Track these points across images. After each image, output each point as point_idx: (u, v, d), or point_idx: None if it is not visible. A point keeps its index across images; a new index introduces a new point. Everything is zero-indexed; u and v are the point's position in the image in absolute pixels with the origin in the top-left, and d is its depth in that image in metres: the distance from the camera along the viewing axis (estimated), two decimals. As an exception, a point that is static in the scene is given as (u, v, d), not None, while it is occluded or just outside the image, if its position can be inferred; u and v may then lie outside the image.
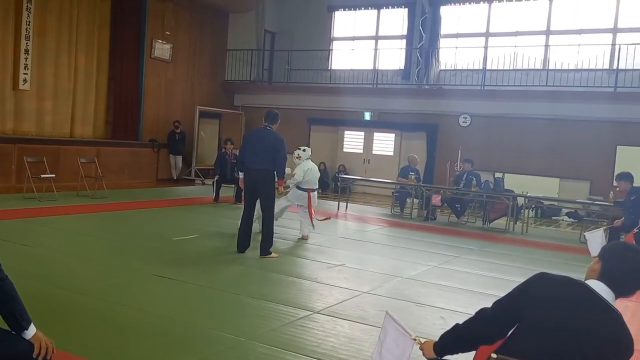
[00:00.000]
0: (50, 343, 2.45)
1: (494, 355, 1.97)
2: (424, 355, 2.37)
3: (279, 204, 8.06)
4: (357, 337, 4.24)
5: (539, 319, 2.04)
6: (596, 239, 8.49)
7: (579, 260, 8.16)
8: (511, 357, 2.01)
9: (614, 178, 8.85)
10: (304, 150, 8.37)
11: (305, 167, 8.20)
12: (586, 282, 2.17)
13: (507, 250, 8.67)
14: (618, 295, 2.14)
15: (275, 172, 6.88)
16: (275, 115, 7.13)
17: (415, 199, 11.85)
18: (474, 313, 2.31)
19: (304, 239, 8.21)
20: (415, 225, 10.64)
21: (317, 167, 8.52)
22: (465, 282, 6.16)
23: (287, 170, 7.50)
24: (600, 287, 2.11)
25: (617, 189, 9.02)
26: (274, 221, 7.25)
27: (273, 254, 6.88)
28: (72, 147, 12.82)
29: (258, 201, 6.99)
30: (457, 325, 2.32)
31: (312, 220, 8.23)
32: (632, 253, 2.17)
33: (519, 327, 2.07)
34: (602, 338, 2.02)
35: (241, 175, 7.06)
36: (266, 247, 6.86)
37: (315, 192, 8.39)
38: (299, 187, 8.23)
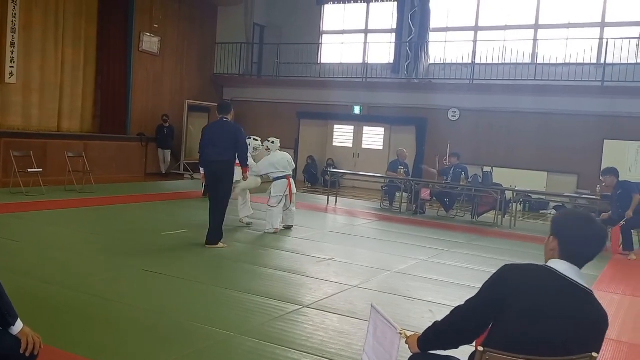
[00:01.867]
0: (37, 338, 2.43)
1: (480, 349, 1.98)
2: (409, 349, 2.38)
3: (273, 205, 8.17)
4: (346, 331, 4.25)
5: (516, 311, 2.03)
6: None
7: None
8: (495, 349, 2.01)
9: (601, 173, 8.93)
10: (272, 142, 8.49)
11: (272, 160, 8.33)
12: (549, 264, 2.16)
13: (495, 243, 8.72)
14: (582, 265, 2.15)
15: (238, 161, 6.97)
16: (228, 106, 7.20)
17: (404, 193, 11.88)
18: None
19: (288, 228, 8.34)
20: (404, 219, 10.67)
21: (287, 155, 8.65)
22: (454, 276, 6.19)
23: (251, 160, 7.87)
24: (563, 267, 2.12)
25: (604, 184, 9.11)
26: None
27: (220, 245, 6.91)
28: (60, 142, 12.72)
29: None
30: (436, 324, 2.31)
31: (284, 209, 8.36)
32: (582, 221, 2.18)
33: (497, 322, 2.07)
34: (578, 319, 2.05)
35: (202, 170, 7.08)
36: (214, 237, 6.88)
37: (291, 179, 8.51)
38: (276, 178, 8.32)
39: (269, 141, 8.55)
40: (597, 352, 2.10)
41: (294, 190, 8.57)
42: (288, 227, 8.47)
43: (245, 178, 7.28)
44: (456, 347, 2.29)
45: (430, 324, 2.36)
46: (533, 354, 1.98)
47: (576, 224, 2.17)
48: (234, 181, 7.45)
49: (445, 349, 2.30)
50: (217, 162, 6.83)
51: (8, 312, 2.39)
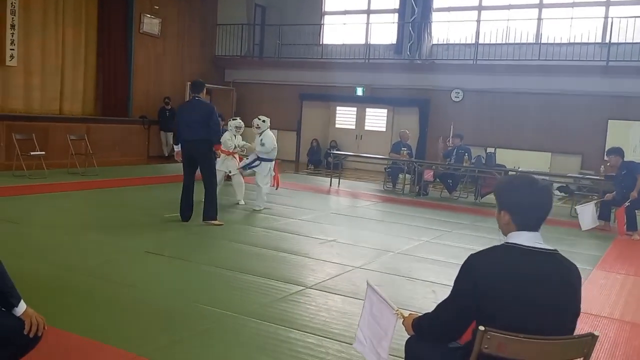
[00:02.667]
0: (41, 319, 2.44)
1: (481, 328, 1.97)
2: (405, 331, 2.37)
3: (264, 183, 8.34)
4: (349, 312, 4.26)
5: (494, 297, 2.01)
6: (587, 213, 8.56)
7: (569, 233, 8.24)
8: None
9: (605, 153, 8.87)
10: (263, 120, 8.40)
11: (272, 136, 8.34)
12: (509, 239, 2.15)
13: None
14: (539, 227, 2.15)
15: (211, 140, 6.99)
16: (201, 85, 7.24)
17: (407, 175, 11.85)
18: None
19: (256, 210, 8.32)
20: (407, 201, 10.66)
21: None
22: (457, 257, 6.18)
23: (244, 142, 8.26)
24: (523, 239, 2.12)
25: (608, 163, 9.05)
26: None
27: (217, 222, 7.05)
28: (62, 124, 12.70)
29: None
30: (426, 317, 2.28)
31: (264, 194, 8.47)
32: (525, 187, 2.16)
33: (482, 313, 2.04)
34: (554, 283, 2.06)
35: (177, 148, 7.19)
36: (209, 213, 7.02)
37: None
38: (264, 159, 8.33)
39: (259, 119, 8.39)
40: (579, 307, 2.15)
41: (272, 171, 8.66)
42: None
43: (218, 155, 7.37)
44: (445, 343, 2.26)
45: (432, 304, 2.35)
46: (532, 332, 1.98)
47: (520, 192, 2.16)
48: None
49: (435, 342, 2.27)
50: (191, 142, 6.94)
51: (11, 294, 2.39)
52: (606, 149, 9.24)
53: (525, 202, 2.14)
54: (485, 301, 2.03)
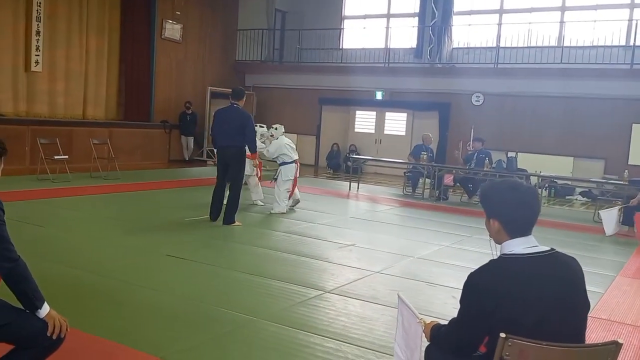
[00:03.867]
0: (64, 321, 2.48)
1: (502, 335, 1.95)
2: (425, 337, 2.36)
3: (283, 187, 8.47)
4: (368, 317, 4.25)
5: (508, 317, 1.99)
6: (611, 218, 8.43)
7: (592, 239, 8.11)
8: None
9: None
10: (276, 128, 8.77)
11: (281, 143, 8.60)
12: (506, 250, 2.12)
13: (519, 229, 8.60)
14: (531, 230, 2.13)
15: (247, 147, 7.23)
16: (240, 92, 7.40)
17: (427, 179, 11.79)
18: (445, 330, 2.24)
19: (272, 212, 8.45)
20: (427, 205, 10.60)
21: (290, 140, 8.91)
22: (477, 262, 6.06)
23: (260, 145, 8.36)
24: (521, 246, 2.09)
25: None
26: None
27: (237, 223, 7.29)
28: (85, 129, 12.89)
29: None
30: (441, 332, 2.26)
31: (289, 197, 8.63)
32: (513, 192, 2.13)
33: (496, 325, 2.01)
34: (558, 284, 2.03)
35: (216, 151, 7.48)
36: (230, 217, 7.24)
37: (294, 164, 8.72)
38: (284, 162, 8.59)
39: (273, 127, 8.85)
40: (588, 302, 2.11)
41: (297, 174, 8.89)
42: (296, 203, 8.85)
43: (255, 164, 7.64)
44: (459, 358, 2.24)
45: (452, 310, 2.34)
46: (548, 337, 1.95)
47: (506, 197, 2.13)
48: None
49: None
50: (228, 148, 7.17)
51: (35, 296, 2.43)
52: (630, 154, 9.13)
53: (513, 207, 2.11)
54: (495, 318, 2.01)
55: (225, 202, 7.41)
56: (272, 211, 8.46)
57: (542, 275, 2.05)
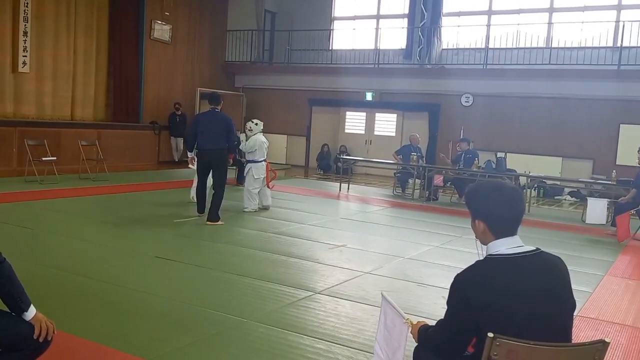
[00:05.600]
0: (50, 324, 2.45)
1: (490, 335, 1.95)
2: (413, 338, 2.36)
3: (253, 185, 8.64)
4: (358, 317, 4.25)
5: (495, 315, 2.00)
6: (597, 208, 8.40)
7: (581, 239, 8.17)
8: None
9: (638, 150, 8.56)
10: (256, 123, 8.90)
11: (259, 140, 8.69)
12: (493, 250, 2.12)
13: (509, 229, 8.63)
14: (516, 231, 2.13)
15: (228, 149, 7.51)
16: (218, 97, 7.72)
17: (417, 180, 11.82)
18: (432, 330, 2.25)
19: (265, 209, 8.78)
20: (417, 206, 10.63)
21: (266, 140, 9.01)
22: (467, 262, 6.06)
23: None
24: (507, 247, 2.10)
25: (638, 162, 8.66)
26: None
27: (220, 222, 7.43)
28: (73, 130, 12.78)
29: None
30: (428, 334, 2.27)
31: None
32: (495, 192, 2.14)
33: (483, 325, 2.01)
34: (548, 285, 2.05)
35: (191, 154, 7.63)
36: (214, 214, 7.41)
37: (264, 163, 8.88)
38: (255, 161, 8.70)
39: (252, 122, 8.93)
40: (574, 300, 2.13)
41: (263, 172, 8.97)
42: (265, 208, 8.84)
43: (230, 164, 7.82)
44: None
45: (442, 310, 2.34)
46: (534, 337, 1.96)
47: (490, 198, 2.14)
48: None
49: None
50: (211, 151, 7.38)
51: (21, 299, 2.41)
52: (618, 154, 9.18)
53: (497, 207, 2.12)
54: (482, 317, 2.01)
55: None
56: (244, 209, 8.60)
57: (527, 275, 2.06)
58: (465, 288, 2.07)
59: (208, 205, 7.62)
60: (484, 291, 2.02)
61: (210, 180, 7.75)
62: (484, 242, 2.19)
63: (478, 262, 2.14)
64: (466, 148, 11.38)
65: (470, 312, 2.04)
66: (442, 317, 2.20)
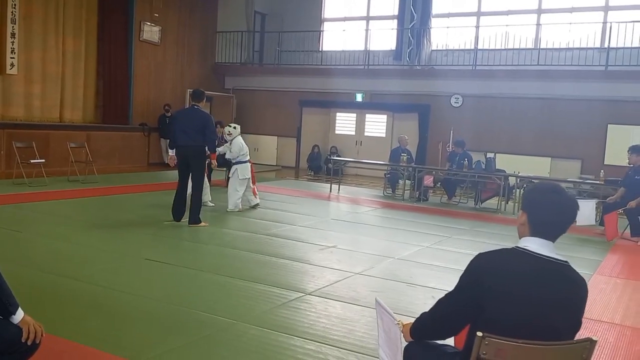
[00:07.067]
0: (39, 327, 2.44)
1: (479, 334, 1.97)
2: (404, 338, 2.37)
3: (238, 187, 8.68)
4: (349, 318, 4.25)
5: (499, 304, 2.01)
6: (586, 208, 8.46)
7: (569, 238, 8.21)
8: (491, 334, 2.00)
9: (629, 149, 8.60)
10: (234, 127, 8.95)
11: (242, 142, 8.82)
12: (522, 244, 2.13)
13: (498, 230, 8.71)
14: (553, 238, 2.13)
15: (206, 147, 7.35)
16: (201, 93, 7.59)
17: (407, 180, 11.85)
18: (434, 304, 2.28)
19: (254, 208, 8.93)
20: (407, 207, 10.65)
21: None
22: (457, 262, 6.17)
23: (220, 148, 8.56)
24: (537, 246, 2.10)
25: (628, 161, 8.71)
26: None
27: (203, 223, 7.39)
28: (62, 132, 12.72)
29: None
30: (423, 317, 2.29)
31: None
32: (548, 191, 2.14)
33: (482, 314, 2.04)
34: (559, 294, 2.04)
35: (171, 152, 7.49)
36: (194, 216, 7.34)
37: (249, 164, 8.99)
38: (240, 162, 8.77)
39: (230, 126, 8.99)
40: (580, 321, 2.13)
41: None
42: (255, 207, 8.98)
43: (213, 165, 7.81)
44: (443, 339, 2.30)
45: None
46: (528, 337, 1.97)
47: (542, 194, 2.15)
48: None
49: (433, 339, 2.31)
50: (188, 147, 7.26)
51: (9, 302, 2.39)
52: (606, 154, 9.19)
53: (546, 207, 2.11)
54: (486, 299, 2.03)
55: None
56: (228, 209, 8.66)
57: (543, 277, 2.05)
58: (481, 265, 2.10)
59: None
60: (495, 273, 2.05)
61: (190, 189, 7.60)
62: (521, 234, 2.19)
63: (504, 248, 2.16)
64: (461, 152, 11.41)
65: (475, 287, 2.06)
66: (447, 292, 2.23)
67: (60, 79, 13.91)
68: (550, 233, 2.12)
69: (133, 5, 14.90)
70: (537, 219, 2.12)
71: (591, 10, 14.38)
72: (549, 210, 2.11)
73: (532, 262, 2.07)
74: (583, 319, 2.17)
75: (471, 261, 2.15)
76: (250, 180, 8.88)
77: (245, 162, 8.81)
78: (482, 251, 2.18)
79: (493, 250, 2.15)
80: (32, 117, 13.25)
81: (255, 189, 9.12)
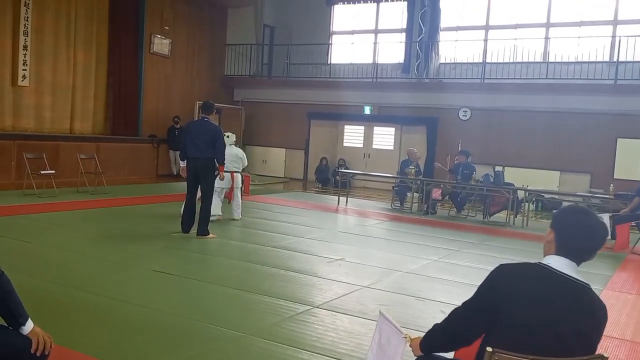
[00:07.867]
0: (48, 338, 2.45)
1: (489, 349, 1.95)
2: (412, 352, 2.36)
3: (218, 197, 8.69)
4: (356, 332, 4.23)
5: (514, 314, 2.01)
6: None
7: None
8: (501, 349, 1.99)
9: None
10: (227, 136, 8.82)
11: (230, 152, 8.64)
12: (545, 261, 2.13)
13: (507, 243, 8.66)
14: (579, 260, 2.12)
15: (215, 160, 7.39)
16: (211, 106, 7.64)
17: (415, 193, 11.83)
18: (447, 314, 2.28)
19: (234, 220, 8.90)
20: (415, 219, 10.62)
21: (239, 150, 9.16)
22: (465, 276, 6.14)
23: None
24: (560, 264, 2.09)
25: None
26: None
27: (211, 235, 7.41)
28: (72, 143, 12.79)
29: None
30: (434, 327, 2.29)
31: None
32: (578, 213, 2.14)
33: (496, 325, 2.04)
34: (577, 316, 2.03)
35: (182, 164, 7.57)
36: (203, 228, 7.36)
37: (239, 174, 9.01)
38: (227, 170, 8.60)
39: (224, 135, 8.81)
40: (597, 346, 2.11)
41: (238, 184, 9.01)
42: (234, 219, 8.94)
43: (221, 177, 7.74)
44: (454, 350, 2.29)
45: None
46: (539, 354, 1.95)
47: (572, 215, 2.15)
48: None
49: (444, 351, 2.30)
50: (198, 159, 7.32)
51: (19, 312, 2.40)
52: (615, 168, 9.17)
53: (575, 229, 2.10)
54: (500, 309, 2.02)
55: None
56: (235, 218, 8.85)
57: (562, 296, 2.03)
58: (500, 275, 2.11)
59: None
60: (513, 285, 2.05)
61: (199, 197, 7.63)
62: (546, 252, 2.18)
63: (527, 262, 2.16)
64: (464, 161, 11.41)
65: (492, 296, 2.07)
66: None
67: (71, 91, 14.04)
68: (575, 255, 2.11)
69: (143, 18, 15.05)
70: (563, 238, 2.12)
71: (600, 24, 14.38)
72: (577, 232, 2.11)
73: (553, 277, 2.06)
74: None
75: (491, 273, 2.16)
76: (224, 192, 8.87)
77: (229, 171, 8.48)
78: (496, 264, 2.18)
79: (515, 265, 2.16)
80: (43, 128, 13.36)
81: (240, 202, 9.04)
